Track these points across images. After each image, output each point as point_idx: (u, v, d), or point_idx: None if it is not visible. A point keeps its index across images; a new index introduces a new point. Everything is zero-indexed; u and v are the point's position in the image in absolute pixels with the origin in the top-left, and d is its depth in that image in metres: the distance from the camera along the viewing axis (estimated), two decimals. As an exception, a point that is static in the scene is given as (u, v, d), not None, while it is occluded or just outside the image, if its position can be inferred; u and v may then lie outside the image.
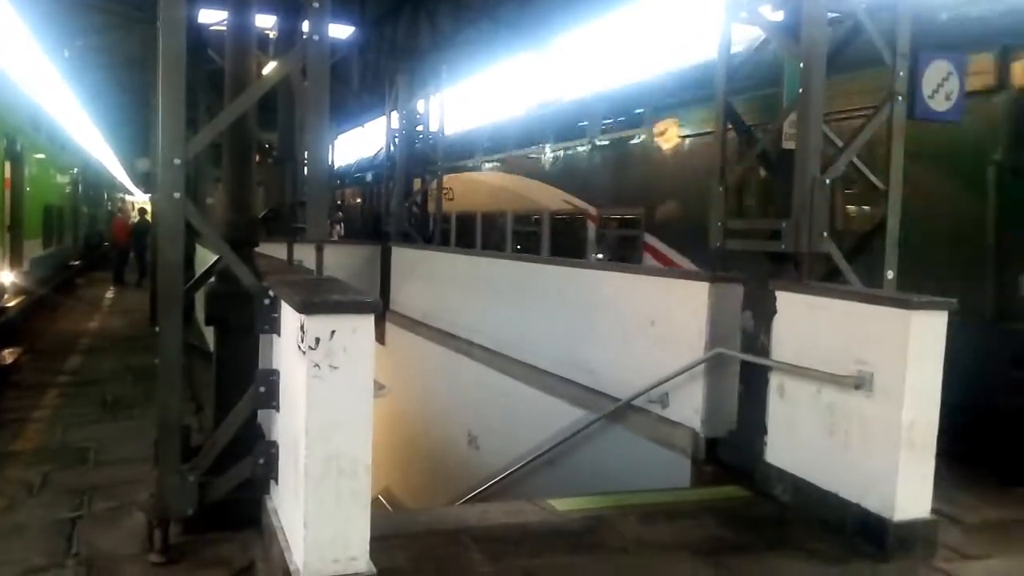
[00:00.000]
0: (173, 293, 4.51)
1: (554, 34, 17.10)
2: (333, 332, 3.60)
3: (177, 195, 4.47)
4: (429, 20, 16.77)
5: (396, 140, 16.32)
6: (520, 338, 9.26)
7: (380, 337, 13.97)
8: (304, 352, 3.61)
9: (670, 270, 8.24)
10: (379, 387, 11.08)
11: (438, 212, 15.43)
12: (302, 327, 3.65)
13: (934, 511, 4.73)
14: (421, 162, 16.12)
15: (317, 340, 3.58)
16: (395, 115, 16.58)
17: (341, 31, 20.78)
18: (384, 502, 12.91)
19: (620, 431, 7.20)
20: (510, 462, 8.41)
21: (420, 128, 16.36)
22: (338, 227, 26.27)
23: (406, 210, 15.63)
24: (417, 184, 16.28)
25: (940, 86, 6.18)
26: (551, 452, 7.90)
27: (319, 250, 4.63)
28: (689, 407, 6.40)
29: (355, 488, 3.66)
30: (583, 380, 7.87)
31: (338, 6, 17.91)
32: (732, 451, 6.07)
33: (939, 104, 6.19)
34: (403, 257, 14.26)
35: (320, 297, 3.76)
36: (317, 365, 3.59)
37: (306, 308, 3.63)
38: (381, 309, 3.68)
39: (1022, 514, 5.51)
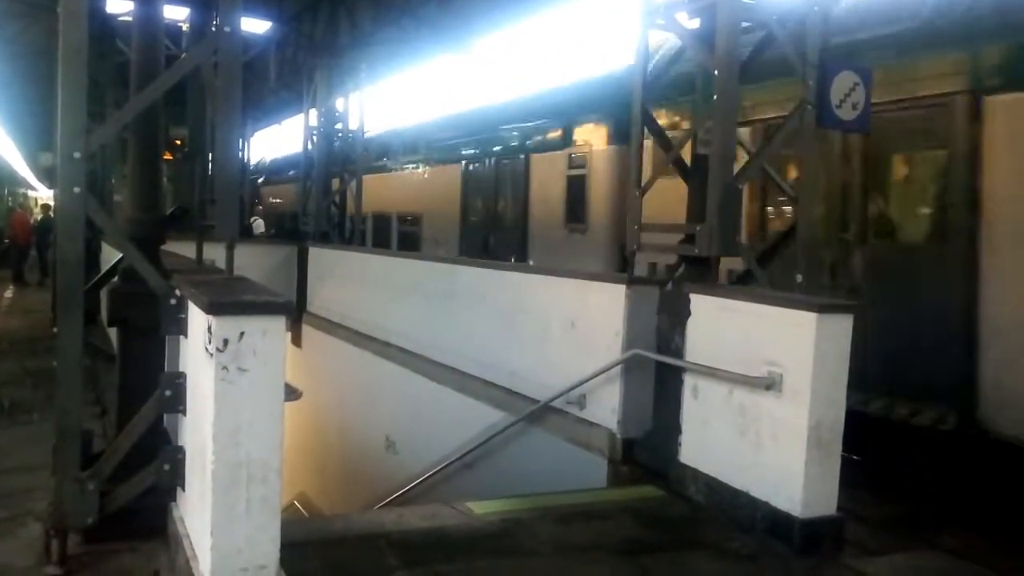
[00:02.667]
0: (73, 292, 4.31)
1: (476, 36, 17.08)
2: (242, 334, 3.48)
3: (77, 190, 4.26)
4: (349, 17, 16.51)
5: (314, 138, 16.06)
6: (440, 340, 9.20)
7: (296, 339, 13.70)
8: (212, 354, 3.48)
9: (590, 272, 8.30)
10: (291, 391, 10.83)
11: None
12: (210, 328, 3.52)
13: (840, 508, 4.88)
14: (340, 161, 15.90)
15: (225, 342, 3.46)
16: (313, 112, 16.31)
17: (258, 26, 20.33)
18: (299, 508, 12.65)
19: (539, 433, 7.21)
20: (429, 466, 8.34)
21: (339, 126, 16.14)
22: (258, 222, 25.58)
23: (325, 209, 15.38)
24: (336, 184, 16.05)
25: (847, 96, 6.39)
26: (470, 455, 7.86)
27: (229, 249, 4.48)
28: (606, 408, 6.45)
29: (265, 494, 3.55)
30: (503, 382, 7.85)
31: (255, 1, 17.58)
32: (648, 452, 6.15)
33: (846, 113, 6.40)
34: (321, 257, 14.01)
35: (229, 297, 3.64)
36: (225, 368, 3.46)
37: (214, 309, 3.50)
38: (294, 310, 3.60)
39: (923, 509, 5.73)
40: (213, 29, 4.54)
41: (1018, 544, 5.11)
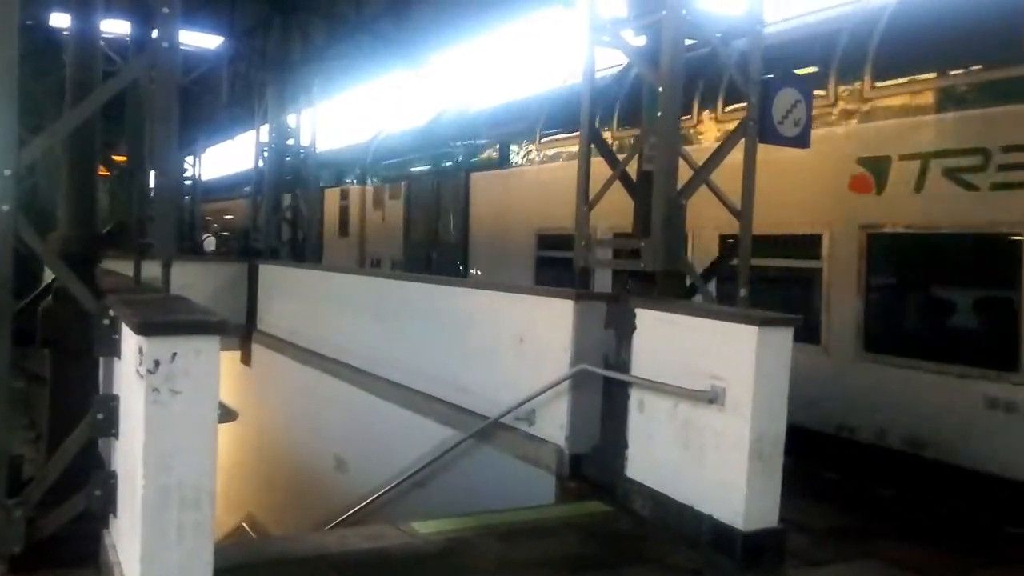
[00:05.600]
0: (2, 312, 4.18)
1: (431, 51, 17.10)
2: (174, 354, 3.40)
3: (6, 208, 4.14)
4: (301, 32, 16.40)
5: (265, 154, 15.91)
6: (390, 357, 9.12)
7: (246, 358, 13.50)
8: (143, 376, 3.40)
9: (538, 288, 8.31)
10: (228, 412, 10.58)
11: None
12: (141, 349, 3.44)
13: (784, 520, 4.91)
14: (292, 177, 15.78)
15: (156, 363, 3.38)
16: (265, 128, 16.17)
17: (210, 41, 20.15)
18: (248, 529, 12.42)
19: (488, 450, 7.17)
20: (379, 485, 8.24)
21: (291, 142, 16.01)
22: (209, 240, 25.22)
23: (275, 225, 15.24)
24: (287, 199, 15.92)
25: (789, 113, 6.50)
26: (420, 473, 7.78)
27: (166, 267, 4.40)
28: (555, 424, 6.43)
29: (198, 519, 3.46)
30: (453, 399, 7.80)
31: (207, 15, 17.44)
32: (595, 467, 6.14)
33: (788, 130, 6.52)
34: (271, 274, 13.83)
35: (160, 317, 3.57)
36: (156, 390, 3.38)
37: (144, 329, 3.42)
38: (229, 328, 3.54)
39: (866, 521, 5.81)
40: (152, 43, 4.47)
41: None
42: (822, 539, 5.35)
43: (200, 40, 19.93)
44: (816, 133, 6.77)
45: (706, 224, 7.80)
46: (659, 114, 6.11)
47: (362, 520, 8.06)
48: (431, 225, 14.44)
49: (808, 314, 7.00)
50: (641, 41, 6.68)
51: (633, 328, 5.85)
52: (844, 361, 7.10)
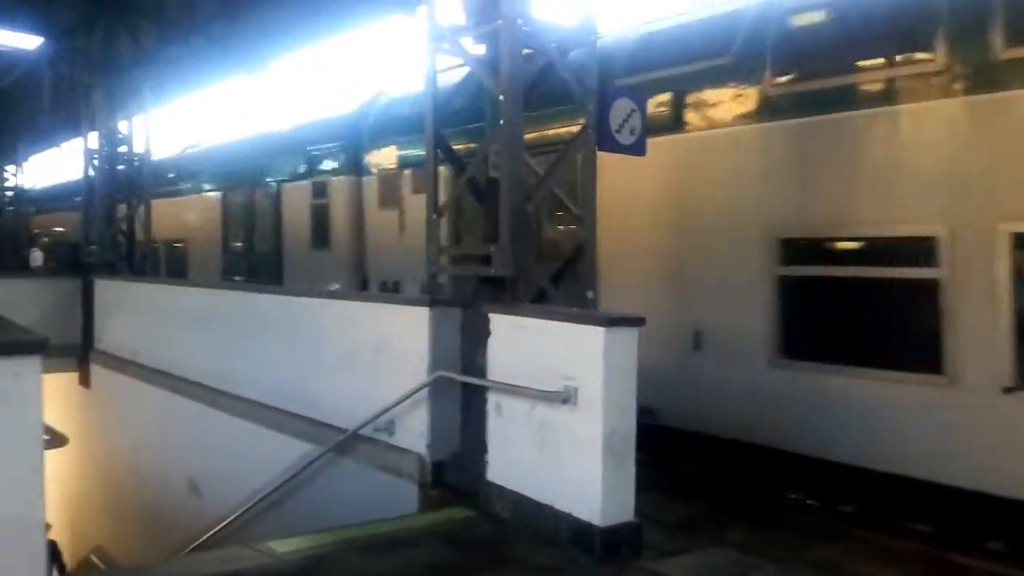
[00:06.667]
0: None
1: (269, 56, 16.59)
2: (-9, 379, 3.19)
3: None
4: (130, 34, 15.50)
5: (95, 162, 14.98)
6: (243, 373, 8.83)
7: (84, 379, 12.71)
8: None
9: (392, 296, 8.23)
10: (57, 437, 9.86)
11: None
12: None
13: (638, 513, 5.12)
14: (126, 186, 14.92)
15: (-31, 390, 3.16)
16: (94, 135, 15.21)
17: (28, 41, 18.72)
18: (97, 562, 11.70)
19: (348, 463, 7.08)
20: (235, 506, 7.97)
21: (124, 149, 15.14)
22: (36, 254, 23.50)
23: (110, 238, 14.37)
24: (122, 210, 15.04)
25: (625, 121, 6.75)
26: (278, 492, 7.58)
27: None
28: (415, 433, 6.44)
29: (30, 554, 3.27)
30: (310, 413, 7.65)
31: (20, 13, 16.17)
32: (456, 473, 6.19)
33: (625, 138, 6.76)
34: (108, 290, 13.04)
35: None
36: (-30, 418, 3.16)
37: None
38: (51, 349, 3.34)
39: (710, 511, 6.13)
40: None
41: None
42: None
43: (16, 40, 18.49)
44: None
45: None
46: (501, 122, 6.21)
47: (218, 546, 7.76)
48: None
49: None
50: (481, 49, 6.75)
51: (488, 333, 5.94)
52: None
